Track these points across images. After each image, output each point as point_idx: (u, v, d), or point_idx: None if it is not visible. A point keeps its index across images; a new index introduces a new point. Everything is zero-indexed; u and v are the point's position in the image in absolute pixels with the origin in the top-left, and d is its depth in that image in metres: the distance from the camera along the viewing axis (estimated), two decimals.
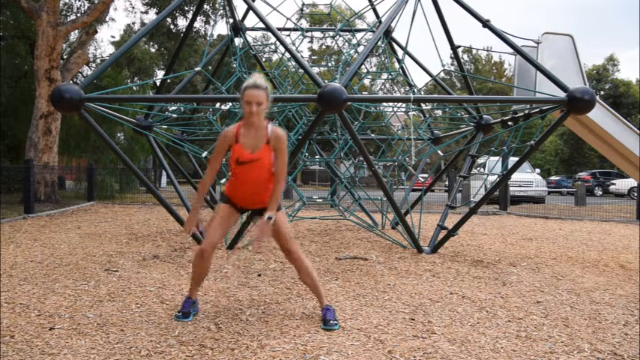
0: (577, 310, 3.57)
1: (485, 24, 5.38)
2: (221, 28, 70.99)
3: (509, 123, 6.39)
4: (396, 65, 7.66)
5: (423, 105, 7.38)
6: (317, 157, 7.82)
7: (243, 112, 2.98)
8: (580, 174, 26.07)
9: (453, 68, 20.87)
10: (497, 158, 9.82)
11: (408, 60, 7.37)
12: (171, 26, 19.32)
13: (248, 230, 6.02)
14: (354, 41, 7.77)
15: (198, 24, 18.98)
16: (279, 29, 7.16)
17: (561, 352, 2.73)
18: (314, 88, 5.00)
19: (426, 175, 20.18)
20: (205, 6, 17.77)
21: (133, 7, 20.89)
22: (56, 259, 4.92)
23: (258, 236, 3.01)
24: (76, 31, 13.64)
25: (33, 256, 5.13)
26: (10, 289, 3.79)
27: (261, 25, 5.95)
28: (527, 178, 15.98)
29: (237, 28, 7.19)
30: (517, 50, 5.23)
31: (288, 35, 7.87)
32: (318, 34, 9.88)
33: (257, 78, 2.99)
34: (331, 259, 5.17)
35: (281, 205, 3.16)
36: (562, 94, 4.79)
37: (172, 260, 4.96)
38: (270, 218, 2.96)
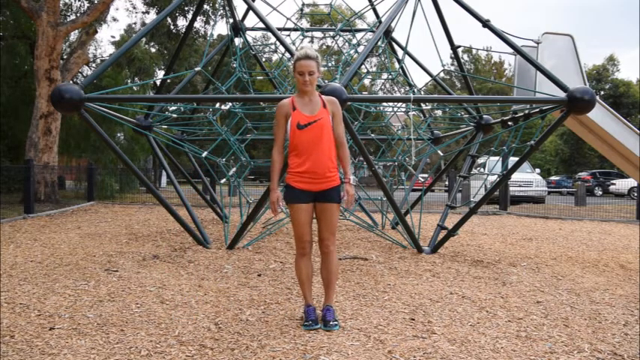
0: (577, 310, 3.57)
1: (485, 24, 5.38)
2: (221, 28, 70.96)
3: (509, 123, 6.39)
4: (396, 65, 7.66)
5: (423, 105, 7.38)
6: None
7: (296, 83, 3.09)
8: (580, 174, 26.07)
9: (453, 68, 20.86)
10: (497, 158, 9.82)
11: (408, 60, 7.37)
12: (172, 26, 19.31)
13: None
14: (354, 41, 7.77)
15: (198, 24, 18.98)
16: (279, 29, 7.16)
17: (561, 352, 2.73)
18: None
19: (426, 175, 20.18)
20: (205, 6, 17.76)
21: (134, 7, 20.85)
22: (56, 259, 4.92)
23: (345, 201, 3.08)
24: (76, 31, 13.63)
25: (33, 256, 5.13)
26: (10, 289, 3.79)
27: (261, 25, 5.96)
28: (527, 178, 15.98)
29: (237, 28, 7.19)
30: (517, 50, 5.23)
31: (288, 35, 7.87)
32: (318, 34, 9.89)
33: (307, 49, 3.07)
34: None
35: (341, 197, 3.17)
36: (562, 94, 4.79)
37: (172, 260, 4.96)
38: (354, 180, 3.08)
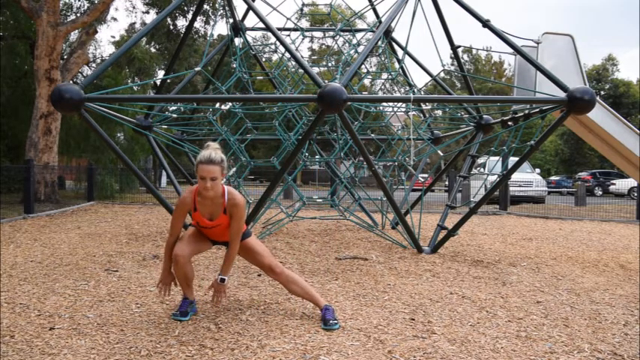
0: (577, 310, 3.57)
1: (485, 24, 5.38)
2: (221, 28, 71.01)
3: (509, 123, 6.39)
4: (396, 65, 7.66)
5: (423, 105, 7.38)
6: (317, 157, 7.82)
7: (198, 185, 2.95)
8: (580, 174, 26.07)
9: (453, 68, 20.86)
10: (497, 158, 9.82)
11: (408, 60, 7.38)
12: (171, 26, 19.31)
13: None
14: (354, 41, 7.77)
15: (198, 24, 18.98)
16: (279, 29, 7.16)
17: (561, 352, 2.73)
18: (314, 88, 5.00)
19: (426, 175, 20.18)
20: (205, 6, 17.76)
21: (134, 7, 20.86)
22: (56, 259, 4.92)
23: (214, 296, 3.07)
24: (76, 31, 13.63)
25: (33, 256, 5.13)
26: (10, 289, 3.79)
27: (261, 25, 5.95)
28: (527, 178, 15.98)
29: (237, 28, 7.19)
30: (517, 50, 5.23)
31: (288, 35, 7.87)
32: (318, 34, 9.89)
33: (212, 150, 2.90)
34: (331, 259, 5.17)
35: (250, 231, 3.27)
36: (562, 94, 4.79)
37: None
38: (223, 280, 3.03)
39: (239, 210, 2.99)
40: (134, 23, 23.14)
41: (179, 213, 3.05)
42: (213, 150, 2.92)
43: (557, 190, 21.66)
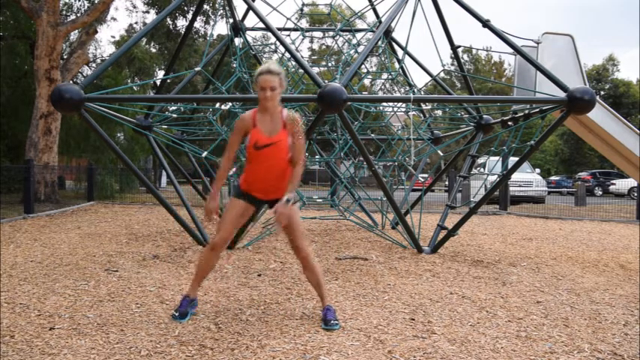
0: (577, 310, 3.57)
1: (485, 24, 5.38)
2: (221, 28, 70.99)
3: (509, 123, 6.39)
4: (396, 65, 7.66)
5: (423, 105, 7.38)
6: (317, 157, 7.82)
7: (258, 97, 2.99)
8: (580, 174, 26.06)
9: (453, 68, 20.86)
10: (497, 158, 9.82)
11: (408, 60, 7.37)
12: (171, 26, 19.31)
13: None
14: (354, 41, 7.77)
15: (198, 24, 18.99)
16: (279, 29, 7.15)
17: (561, 352, 2.73)
18: (314, 88, 5.00)
19: (426, 175, 20.18)
20: (205, 6, 17.77)
21: (134, 7, 20.87)
22: (56, 259, 4.92)
23: (277, 219, 2.94)
24: (76, 31, 13.63)
25: (33, 256, 5.13)
26: (10, 289, 3.79)
27: (261, 25, 5.95)
28: (527, 178, 15.97)
29: (237, 28, 7.19)
30: (517, 50, 5.23)
31: (288, 35, 7.87)
32: (318, 34, 9.88)
33: (271, 63, 2.99)
34: (331, 259, 5.17)
35: (296, 199, 3.15)
36: (562, 94, 4.79)
37: (172, 260, 4.96)
38: (288, 201, 2.92)
39: (298, 123, 3.03)
40: (134, 23, 23.15)
41: (238, 130, 3.05)
42: (272, 63, 2.99)
43: (557, 190, 21.66)
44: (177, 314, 3.13)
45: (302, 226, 3.16)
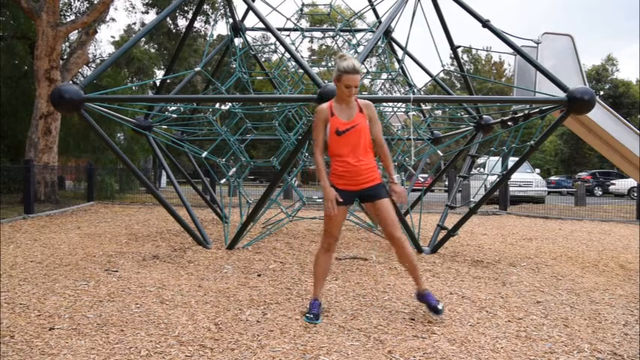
0: (577, 310, 3.57)
1: (485, 24, 5.38)
2: (221, 28, 70.98)
3: (509, 123, 6.39)
4: (396, 65, 7.66)
5: (422, 105, 7.38)
6: None
7: (337, 91, 3.15)
8: (580, 174, 26.07)
9: (452, 68, 20.86)
10: (497, 158, 9.81)
11: (408, 60, 7.37)
12: (171, 26, 19.31)
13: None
14: (354, 41, 7.77)
15: (198, 24, 18.99)
16: (279, 29, 7.15)
17: (561, 352, 2.73)
18: (314, 88, 5.00)
19: (426, 175, 20.18)
20: (205, 6, 17.77)
21: (134, 7, 20.85)
22: (56, 259, 4.92)
23: (397, 200, 3.18)
24: (76, 31, 13.63)
25: (33, 256, 5.13)
26: (10, 289, 3.79)
27: (261, 25, 5.95)
28: (527, 178, 15.98)
29: (237, 28, 7.19)
30: (517, 50, 5.23)
31: (288, 35, 7.87)
32: (317, 34, 9.89)
33: (353, 60, 3.06)
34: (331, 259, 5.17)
35: (388, 191, 3.28)
36: (562, 94, 4.79)
37: (172, 260, 4.96)
38: (398, 179, 3.16)
39: (374, 110, 3.24)
40: (134, 23, 23.15)
41: (319, 120, 3.17)
42: (354, 60, 3.06)
43: (557, 190, 21.65)
44: (311, 316, 3.16)
45: (393, 212, 3.24)
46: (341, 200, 3.14)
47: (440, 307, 3.19)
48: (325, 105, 3.20)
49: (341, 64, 3.06)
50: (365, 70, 8.33)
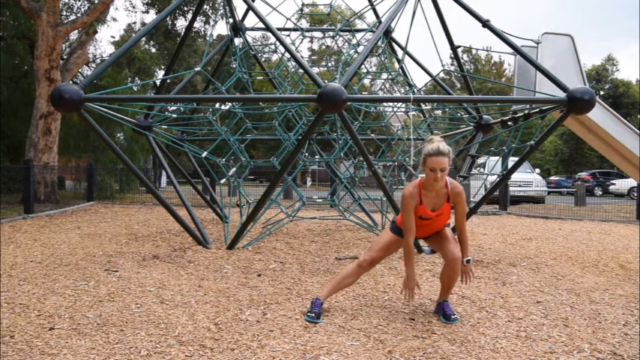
0: (577, 310, 3.57)
1: (485, 24, 5.38)
2: (221, 28, 71.00)
3: (509, 123, 6.39)
4: (396, 65, 7.66)
5: (422, 105, 7.38)
6: (317, 157, 7.82)
7: (426, 177, 3.09)
8: (580, 174, 26.05)
9: (452, 68, 20.85)
10: (497, 158, 9.81)
11: (408, 60, 7.37)
12: (171, 26, 19.32)
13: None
14: (354, 41, 7.77)
15: (198, 24, 18.98)
16: (279, 29, 7.15)
17: (561, 352, 2.73)
18: (314, 88, 5.00)
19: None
20: (205, 6, 17.76)
21: (134, 7, 20.85)
22: (56, 259, 4.92)
23: (464, 277, 3.21)
24: (76, 31, 13.64)
25: (33, 256, 5.13)
26: (10, 289, 3.79)
27: (261, 25, 5.95)
28: (527, 178, 15.97)
29: (237, 29, 7.19)
30: (517, 50, 5.23)
31: (288, 35, 7.87)
32: (317, 34, 9.89)
33: (440, 143, 3.01)
34: (331, 259, 5.17)
35: (449, 225, 3.37)
36: (562, 94, 4.79)
37: (172, 260, 4.96)
38: (468, 261, 3.20)
39: (463, 196, 3.19)
40: (134, 23, 23.15)
41: (409, 207, 3.10)
42: (440, 142, 3.03)
43: (557, 190, 21.64)
44: (312, 315, 3.16)
45: (453, 238, 3.27)
46: (420, 289, 3.31)
47: (454, 317, 3.21)
48: (415, 190, 3.10)
49: (426, 147, 3.03)
50: (365, 70, 8.33)
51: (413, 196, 3.09)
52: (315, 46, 29.60)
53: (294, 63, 7.90)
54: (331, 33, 7.96)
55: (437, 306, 3.38)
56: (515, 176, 14.24)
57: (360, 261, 3.30)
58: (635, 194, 14.37)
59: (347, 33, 8.10)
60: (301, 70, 7.68)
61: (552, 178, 28.21)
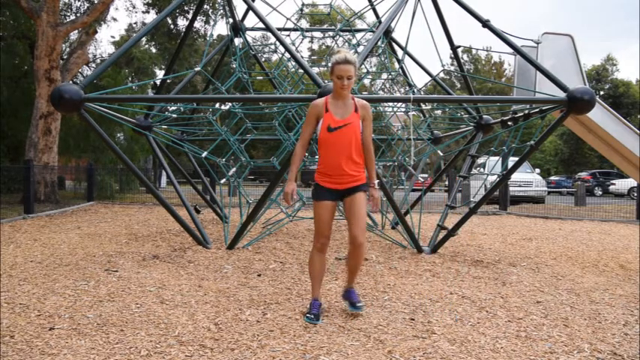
0: (577, 310, 3.57)
1: (485, 24, 5.38)
2: (221, 28, 71.01)
3: (509, 123, 6.39)
4: (396, 65, 7.66)
5: (422, 105, 7.38)
6: (317, 157, 7.80)
7: (333, 85, 3.15)
8: (580, 174, 26.06)
9: (452, 68, 20.85)
10: (497, 158, 9.82)
11: (408, 60, 7.37)
12: (172, 26, 19.31)
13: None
14: (354, 41, 7.77)
15: (198, 24, 18.98)
16: (279, 29, 7.15)
17: (561, 352, 2.73)
18: (314, 88, 5.00)
19: (426, 175, 20.17)
20: (205, 6, 17.76)
21: (134, 7, 20.85)
22: (56, 259, 4.92)
23: (372, 205, 3.25)
24: (76, 31, 13.64)
25: (33, 256, 5.13)
26: (10, 289, 3.79)
27: (261, 25, 5.95)
28: (527, 178, 15.97)
29: (237, 28, 7.19)
30: (517, 50, 5.23)
31: (288, 35, 7.87)
32: (317, 34, 9.89)
33: (346, 52, 3.10)
34: (331, 259, 5.17)
35: (368, 187, 3.29)
36: (562, 94, 4.79)
37: (172, 260, 4.96)
38: (377, 185, 3.23)
39: (369, 110, 3.23)
40: (134, 23, 23.15)
41: (311, 116, 3.19)
42: (347, 52, 3.10)
43: (557, 190, 21.64)
44: (311, 316, 3.15)
45: (364, 214, 3.24)
46: (297, 197, 3.18)
47: (359, 305, 3.26)
48: (321, 100, 3.20)
49: (334, 56, 3.11)
50: (365, 70, 8.34)
51: (316, 105, 3.18)
52: (315, 46, 29.61)
53: (294, 63, 7.90)
54: (331, 33, 7.96)
55: (344, 293, 3.39)
56: (515, 176, 14.24)
57: (319, 246, 3.24)
58: (635, 194, 14.37)
59: (347, 33, 8.10)
60: (301, 70, 7.68)
61: (552, 178, 28.22)
